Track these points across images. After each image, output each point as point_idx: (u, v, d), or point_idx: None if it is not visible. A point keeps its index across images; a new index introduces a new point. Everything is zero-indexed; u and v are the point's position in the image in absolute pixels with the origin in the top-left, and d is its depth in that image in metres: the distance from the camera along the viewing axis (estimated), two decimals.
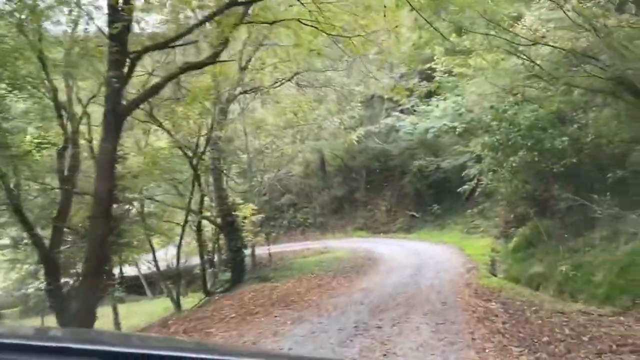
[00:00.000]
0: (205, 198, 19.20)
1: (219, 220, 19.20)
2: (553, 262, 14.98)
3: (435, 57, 20.37)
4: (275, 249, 32.04)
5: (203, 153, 18.11)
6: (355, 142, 28.16)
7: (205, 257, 19.00)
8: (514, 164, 15.89)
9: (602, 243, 14.06)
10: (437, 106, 26.60)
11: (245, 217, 20.02)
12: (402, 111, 29.26)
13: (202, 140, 18.40)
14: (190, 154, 17.62)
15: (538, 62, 13.93)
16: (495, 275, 16.81)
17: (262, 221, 24.75)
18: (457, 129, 25.21)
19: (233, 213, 18.80)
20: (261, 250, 33.46)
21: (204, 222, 19.19)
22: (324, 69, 22.13)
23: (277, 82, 19.87)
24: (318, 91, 25.33)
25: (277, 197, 38.08)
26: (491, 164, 18.05)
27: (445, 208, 30.06)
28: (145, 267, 24.79)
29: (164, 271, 21.33)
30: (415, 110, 28.68)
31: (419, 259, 20.26)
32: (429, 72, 29.53)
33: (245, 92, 20.34)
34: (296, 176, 38.68)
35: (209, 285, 18.24)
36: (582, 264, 13.45)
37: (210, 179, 20.17)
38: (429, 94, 29.79)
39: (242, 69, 19.12)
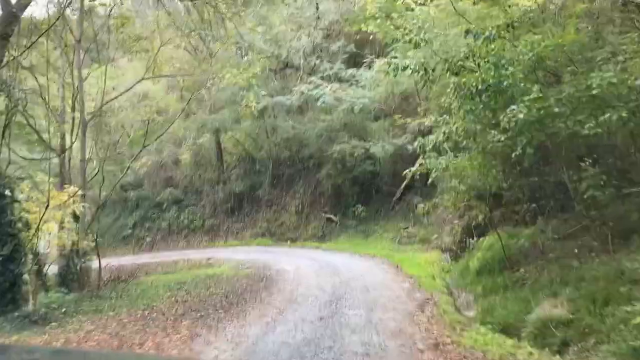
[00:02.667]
0: None
1: None
2: (584, 299, 8.16)
3: None
4: (135, 259, 23.66)
5: None
6: (255, 111, 20.50)
7: None
8: (510, 123, 8.88)
9: None
10: (370, 68, 19.58)
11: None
12: (322, 78, 22.01)
13: None
14: None
15: None
16: (471, 318, 9.73)
17: (93, 217, 16.32)
18: (394, 94, 18.28)
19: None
20: (124, 261, 24.82)
21: None
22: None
23: None
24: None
25: (157, 190, 29.46)
26: (459, 129, 10.99)
27: (372, 210, 23.16)
28: None
29: None
30: (339, 78, 21.57)
31: (338, 281, 12.94)
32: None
33: None
34: (184, 165, 30.33)
35: None
36: None
37: None
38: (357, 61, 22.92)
39: None
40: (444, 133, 10.00)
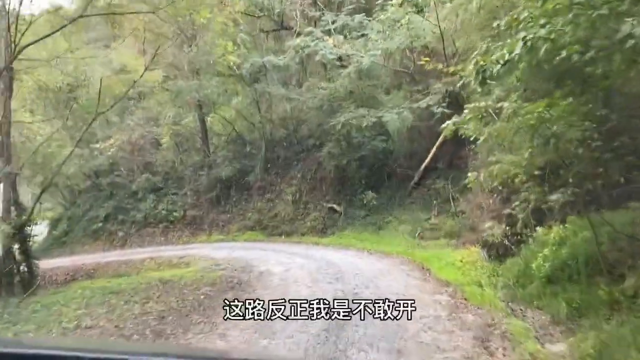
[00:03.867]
0: None
1: None
2: None
3: None
4: (102, 258, 19.87)
5: None
6: (233, 66, 16.30)
7: None
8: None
9: None
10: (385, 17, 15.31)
11: None
12: (323, 32, 17.72)
13: None
14: None
15: None
16: None
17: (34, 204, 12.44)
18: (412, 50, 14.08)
19: None
20: (89, 259, 20.88)
21: None
22: None
23: None
24: None
25: (134, 177, 25.34)
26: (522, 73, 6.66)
27: (384, 198, 18.92)
28: None
29: None
30: (346, 31, 17.32)
31: (341, 290, 8.81)
32: None
33: None
34: (166, 148, 26.18)
35: None
36: None
37: None
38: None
39: None
40: (526, 41, 5.69)
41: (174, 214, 23.48)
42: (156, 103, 24.87)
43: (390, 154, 19.49)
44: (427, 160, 18.70)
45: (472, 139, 9.85)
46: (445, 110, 14.21)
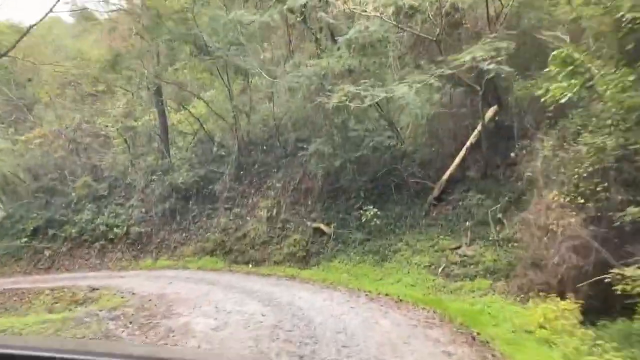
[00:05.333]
0: None
1: None
2: None
3: None
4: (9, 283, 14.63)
5: None
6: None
7: None
8: None
9: None
10: None
11: None
12: None
13: None
14: None
15: None
16: None
17: None
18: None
19: None
20: None
21: None
22: None
23: None
24: None
25: (73, 182, 20.07)
26: None
27: (391, 216, 13.63)
28: None
29: None
30: None
31: None
32: None
33: None
34: (118, 149, 20.94)
35: None
36: None
37: None
38: None
39: None
40: None
41: (115, 230, 18.01)
42: (107, 91, 19.68)
43: (400, 157, 14.20)
44: (452, 167, 13.41)
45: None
46: (505, 68, 8.96)
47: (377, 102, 12.89)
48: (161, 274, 14.30)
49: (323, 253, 14.03)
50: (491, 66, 9.13)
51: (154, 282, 12.60)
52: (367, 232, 13.47)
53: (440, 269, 11.06)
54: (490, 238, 11.24)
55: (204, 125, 19.77)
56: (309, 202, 15.94)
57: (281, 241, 15.23)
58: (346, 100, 11.83)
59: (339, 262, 13.23)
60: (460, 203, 12.84)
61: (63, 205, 19.94)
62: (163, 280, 12.83)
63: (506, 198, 11.99)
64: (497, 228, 11.42)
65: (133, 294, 10.99)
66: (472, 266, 10.70)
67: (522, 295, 8.85)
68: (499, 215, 11.63)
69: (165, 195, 18.14)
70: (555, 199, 8.96)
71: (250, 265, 14.71)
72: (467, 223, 11.89)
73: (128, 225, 18.11)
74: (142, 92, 18.72)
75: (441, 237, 12.15)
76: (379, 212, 13.15)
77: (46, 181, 20.86)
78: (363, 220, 13.22)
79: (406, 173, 14.15)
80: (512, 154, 12.33)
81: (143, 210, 18.39)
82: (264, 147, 18.64)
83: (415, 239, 12.54)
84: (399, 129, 14.23)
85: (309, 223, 15.19)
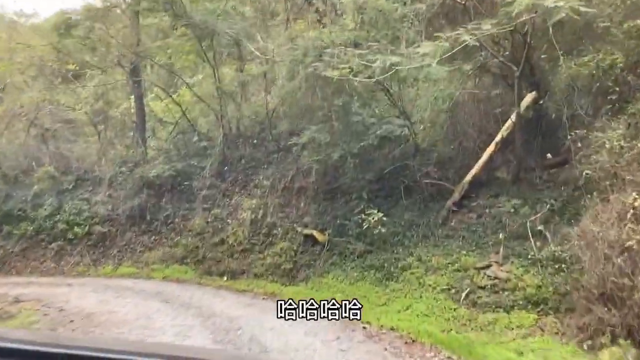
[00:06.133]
0: None
1: None
2: None
3: None
4: None
5: None
6: None
7: None
8: None
9: None
10: None
11: None
12: None
13: None
14: None
15: None
16: None
17: None
18: None
19: None
20: None
21: None
22: None
23: None
24: None
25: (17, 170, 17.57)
26: None
27: (401, 223, 11.01)
28: None
29: None
30: None
31: None
32: None
33: None
34: (89, 136, 18.48)
35: None
36: None
37: None
38: None
39: None
40: None
41: (76, 229, 15.45)
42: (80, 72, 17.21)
43: (413, 151, 11.60)
44: (477, 166, 10.80)
45: None
46: (587, 9, 6.38)
47: (386, 84, 10.34)
48: (116, 284, 11.71)
49: (314, 266, 11.40)
50: (562, 2, 6.44)
51: (99, 295, 10.02)
52: (369, 242, 10.82)
53: (463, 295, 8.40)
54: (529, 256, 8.58)
55: (187, 114, 17.21)
56: (302, 204, 13.34)
57: (265, 249, 12.62)
58: (350, 72, 9.28)
59: (333, 278, 10.59)
60: (487, 210, 10.20)
61: (23, 199, 17.39)
62: (111, 292, 10.25)
63: (548, 205, 9.35)
64: (538, 243, 8.78)
65: (61, 310, 8.42)
66: (506, 293, 8.04)
67: (587, 340, 6.19)
68: (540, 227, 8.99)
69: (136, 191, 15.59)
70: (637, 204, 6.33)
71: (226, 278, 12.09)
72: (499, 236, 9.22)
73: (91, 225, 15.53)
74: (117, 72, 16.20)
75: (463, 252, 9.49)
76: (384, 218, 10.50)
77: (8, 170, 18.34)
78: (365, 227, 10.56)
79: (419, 172, 11.52)
80: (551, 154, 9.78)
81: (110, 207, 15.82)
82: (255, 141, 16.11)
83: (429, 253, 9.88)
84: (412, 119, 11.61)
85: (299, 229, 12.58)
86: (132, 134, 17.59)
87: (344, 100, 10.43)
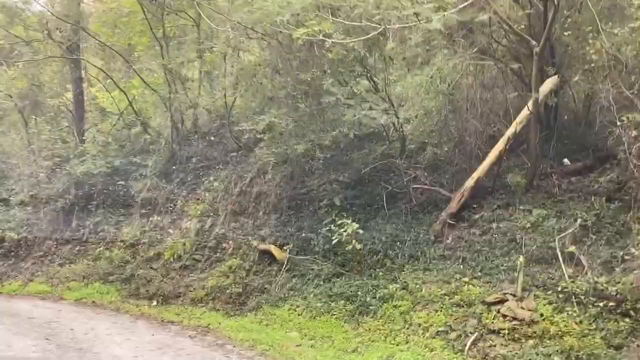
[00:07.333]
0: None
1: None
2: None
3: None
4: None
5: None
6: None
7: None
8: None
9: None
10: None
11: None
12: None
13: None
14: None
15: None
16: None
17: None
18: None
19: None
20: None
21: None
22: None
23: None
24: None
25: None
26: None
27: (382, 238, 8.35)
28: None
29: None
30: None
31: None
32: None
33: None
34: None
35: None
36: None
37: None
38: None
39: None
40: None
41: None
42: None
43: (400, 148, 9.15)
44: (481, 168, 8.42)
45: None
46: None
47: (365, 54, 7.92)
48: (9, 308, 8.92)
49: (268, 291, 8.80)
50: None
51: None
52: (340, 261, 8.31)
53: (468, 342, 5.89)
54: (560, 287, 6.15)
55: (135, 104, 14.53)
56: (260, 213, 10.79)
57: (209, 267, 10.02)
58: (319, 34, 6.85)
59: (290, 308, 8.00)
60: (494, 225, 7.78)
61: None
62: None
63: (579, 220, 6.95)
64: (570, 270, 6.35)
65: None
66: (532, 341, 5.56)
67: None
68: (571, 248, 6.56)
69: (62, 191, 12.84)
70: None
71: (155, 302, 9.41)
72: (514, 258, 6.77)
73: (3, 230, 12.70)
74: (49, 46, 13.49)
75: (465, 279, 7.01)
76: (360, 231, 7.98)
77: None
78: (334, 242, 8.01)
79: (406, 175, 9.07)
80: (569, 157, 7.48)
81: (29, 209, 13.03)
82: (211, 138, 13.58)
83: (418, 279, 7.37)
84: (398, 107, 9.18)
85: (255, 242, 10.00)
86: (67, 125, 14.85)
87: (312, 74, 7.93)
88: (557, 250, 6.55)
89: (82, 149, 13.59)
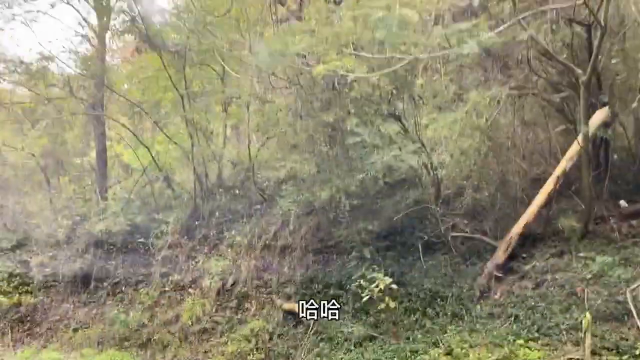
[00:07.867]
0: None
1: None
2: None
3: None
4: None
5: None
6: None
7: None
8: None
9: None
10: None
11: None
12: None
13: None
14: None
15: None
16: None
17: None
18: None
19: None
20: None
21: None
22: None
23: None
24: None
25: None
26: None
27: (419, 292, 7.45)
28: None
29: None
30: None
31: None
32: None
33: None
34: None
35: None
36: None
37: None
38: None
39: None
40: None
41: (1, 298, 12.10)
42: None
43: (435, 193, 8.32)
44: (529, 213, 7.49)
45: None
46: None
47: (393, 92, 7.30)
48: None
49: (293, 357, 7.87)
50: None
51: None
52: (373, 322, 7.39)
53: None
54: (638, 349, 5.07)
55: (158, 160, 14.21)
56: (285, 268, 10.01)
57: (230, 330, 9.16)
58: (341, 68, 6.29)
59: None
60: (549, 276, 6.79)
61: None
62: None
63: None
64: None
65: None
66: None
67: None
68: None
69: (82, 251, 12.36)
70: None
71: None
72: (577, 315, 5.74)
73: (20, 293, 12.20)
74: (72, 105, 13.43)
75: (519, 341, 5.98)
76: (395, 286, 7.06)
77: None
78: (366, 299, 7.11)
79: (444, 222, 8.20)
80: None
81: (48, 270, 12.55)
82: (236, 191, 13.04)
83: (464, 341, 6.36)
84: (430, 147, 8.43)
85: (279, 302, 9.17)
86: (89, 183, 14.62)
87: (336, 115, 7.31)
88: (630, 305, 5.52)
89: (103, 206, 13.23)
